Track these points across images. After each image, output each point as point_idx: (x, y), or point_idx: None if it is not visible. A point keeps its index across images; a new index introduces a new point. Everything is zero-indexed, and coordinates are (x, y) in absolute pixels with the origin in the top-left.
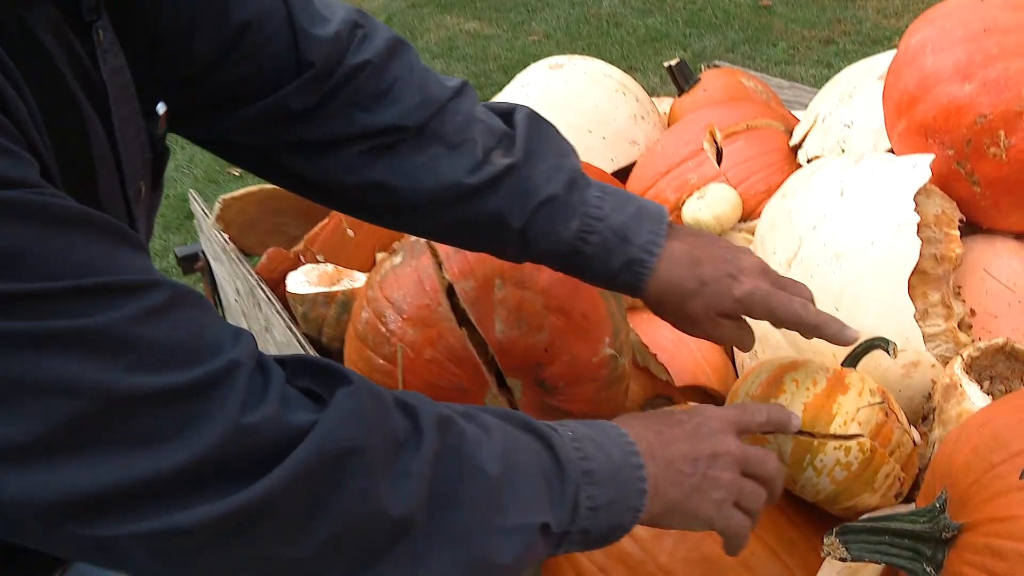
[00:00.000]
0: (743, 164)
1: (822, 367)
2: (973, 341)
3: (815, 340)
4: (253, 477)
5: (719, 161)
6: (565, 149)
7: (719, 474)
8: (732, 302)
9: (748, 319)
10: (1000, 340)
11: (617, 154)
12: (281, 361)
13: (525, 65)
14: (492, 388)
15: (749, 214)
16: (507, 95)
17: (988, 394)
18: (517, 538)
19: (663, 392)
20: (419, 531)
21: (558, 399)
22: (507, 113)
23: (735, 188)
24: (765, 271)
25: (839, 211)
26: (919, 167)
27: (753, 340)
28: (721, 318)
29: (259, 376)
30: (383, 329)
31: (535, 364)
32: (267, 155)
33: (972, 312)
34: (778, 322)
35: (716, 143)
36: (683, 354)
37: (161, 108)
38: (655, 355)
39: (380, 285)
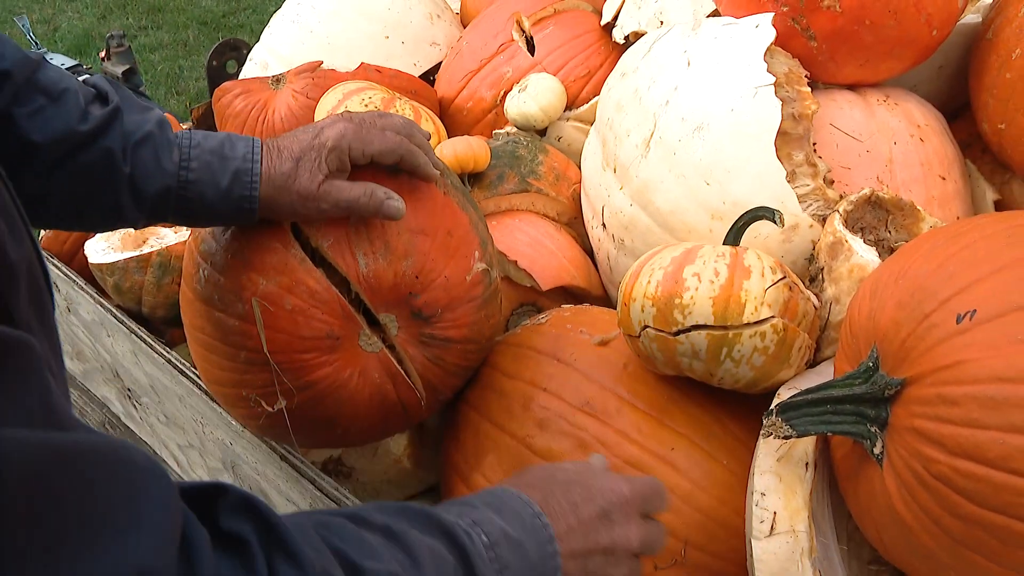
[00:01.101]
0: (558, 50)
1: (715, 252)
2: (841, 196)
3: (684, 218)
4: None
5: (532, 51)
6: (147, 103)
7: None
8: (326, 155)
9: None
10: (867, 191)
11: (419, 58)
12: (206, 498)
13: None
14: (364, 329)
15: (572, 101)
16: (289, 11)
17: (873, 249)
18: None
19: (527, 300)
20: None
21: (437, 327)
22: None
23: (554, 76)
24: (345, 118)
25: (690, 82)
26: (762, 27)
27: (376, 187)
28: (331, 180)
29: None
30: (231, 284)
31: (408, 294)
32: None
33: (829, 169)
34: (368, 157)
35: (525, 32)
36: (543, 257)
37: None
38: (515, 262)
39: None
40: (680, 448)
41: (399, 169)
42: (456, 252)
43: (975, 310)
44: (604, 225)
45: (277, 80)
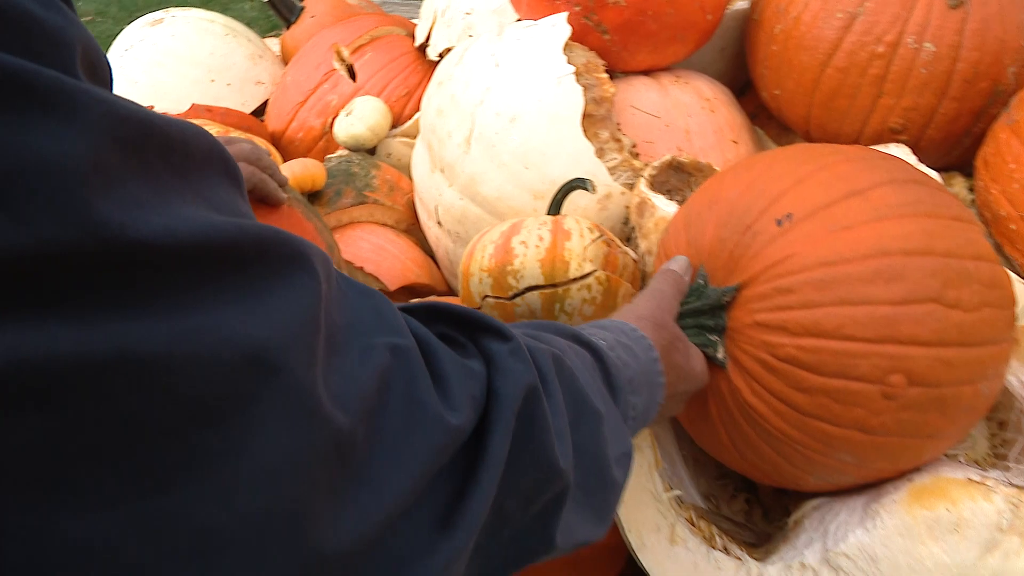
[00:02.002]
0: (378, 74)
1: (538, 222)
2: (646, 165)
3: (509, 202)
4: (465, 481)
5: (353, 77)
6: None
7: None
8: None
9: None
10: (668, 157)
11: (246, 97)
12: (410, 311)
13: None
14: None
15: (397, 119)
16: (113, 62)
17: (675, 202)
18: (623, 466)
19: None
20: (572, 487)
21: None
22: None
23: (377, 97)
24: None
25: (500, 81)
26: (558, 25)
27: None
28: None
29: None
30: None
31: None
32: None
33: (634, 144)
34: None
35: (345, 60)
36: (387, 260)
37: None
38: (361, 268)
39: None
40: None
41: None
42: None
43: (790, 213)
44: (439, 223)
45: None
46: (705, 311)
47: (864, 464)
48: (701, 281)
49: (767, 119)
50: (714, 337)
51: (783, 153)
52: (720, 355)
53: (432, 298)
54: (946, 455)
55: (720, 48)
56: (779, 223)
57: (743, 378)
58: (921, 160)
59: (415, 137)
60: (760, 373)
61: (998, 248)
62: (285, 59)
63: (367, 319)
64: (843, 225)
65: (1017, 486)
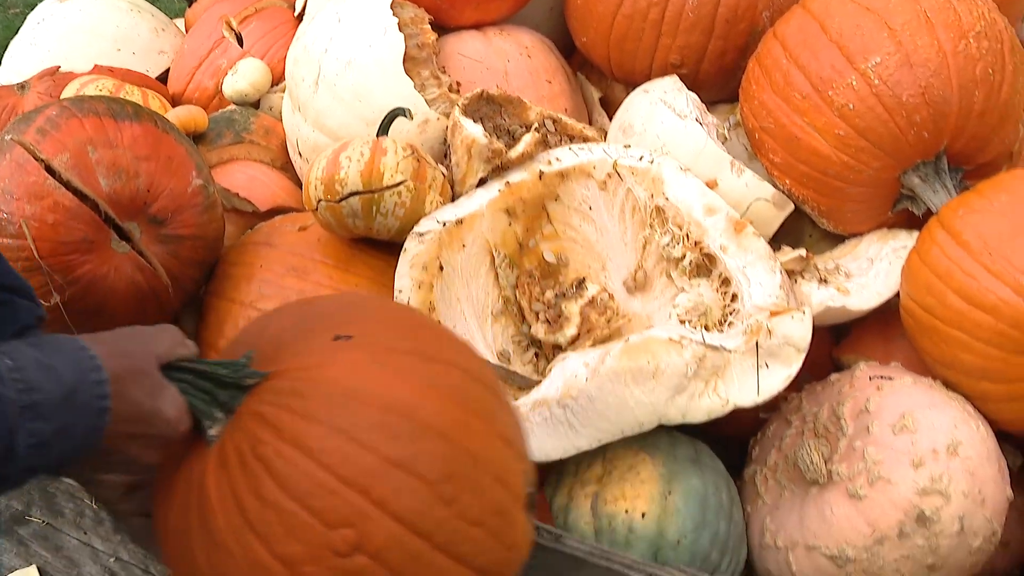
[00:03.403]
0: (261, 40)
1: (362, 141)
2: (461, 98)
3: (349, 131)
4: None
5: (241, 43)
6: None
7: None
8: None
9: None
10: (479, 90)
11: (150, 65)
12: None
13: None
14: (113, 236)
15: (279, 78)
16: (27, 34)
17: (483, 129)
18: None
19: (252, 223)
20: None
21: (170, 228)
22: None
23: (260, 59)
24: None
25: (341, 32)
26: None
27: None
28: None
29: None
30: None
31: (143, 204)
32: None
33: (458, 84)
34: None
35: (234, 29)
36: (259, 188)
37: None
38: (237, 194)
39: None
40: (362, 286)
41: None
42: (176, 172)
43: (352, 335)
44: (300, 154)
45: (22, 87)
46: (227, 384)
47: None
48: (244, 360)
49: (591, 68)
50: (219, 414)
51: (338, 299)
52: (212, 432)
53: (292, 215)
54: (680, 319)
55: (550, 7)
56: (336, 338)
57: (215, 462)
58: (702, 94)
59: None
60: (232, 463)
61: (752, 157)
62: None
63: None
64: (390, 371)
65: (706, 345)
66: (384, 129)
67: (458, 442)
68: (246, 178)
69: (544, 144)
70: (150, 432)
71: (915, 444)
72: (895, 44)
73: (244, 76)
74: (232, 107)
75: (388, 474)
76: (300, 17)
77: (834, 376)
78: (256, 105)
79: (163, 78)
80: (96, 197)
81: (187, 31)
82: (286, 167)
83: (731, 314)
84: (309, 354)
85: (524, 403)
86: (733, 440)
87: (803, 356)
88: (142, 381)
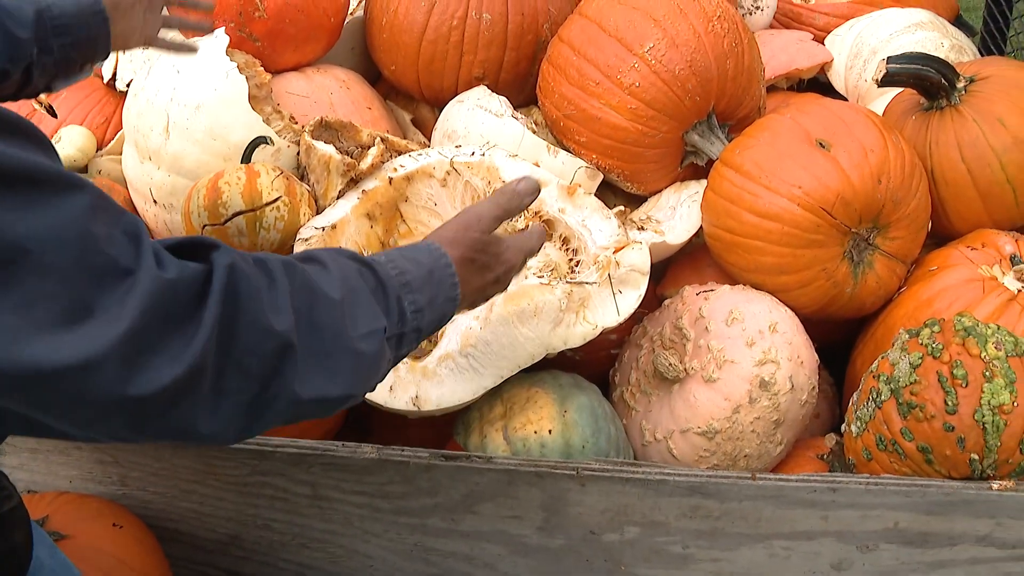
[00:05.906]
0: (76, 108)
1: (235, 168)
2: (304, 126)
3: (208, 168)
4: (191, 319)
5: (54, 115)
6: None
7: (509, 258)
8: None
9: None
10: (318, 118)
11: None
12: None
13: None
14: None
15: (101, 142)
16: None
17: (334, 147)
18: (370, 341)
19: None
20: (297, 352)
21: None
22: None
23: (81, 126)
24: None
25: (183, 82)
26: (219, 35)
27: None
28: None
29: (156, 246)
30: None
31: None
32: None
33: (293, 117)
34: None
35: (43, 103)
36: None
37: None
38: None
39: None
40: None
41: None
42: None
43: None
44: (155, 201)
45: None
46: None
47: None
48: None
49: (396, 94)
50: None
51: None
52: None
53: None
54: (536, 276)
55: (351, 48)
56: None
57: None
58: (510, 99)
59: (120, 154)
60: None
61: (560, 143)
62: None
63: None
64: None
65: (571, 283)
66: (247, 157)
67: None
68: None
69: (388, 155)
70: (494, 279)
71: (745, 330)
72: (662, 31)
73: (70, 142)
74: None
75: None
76: (111, 83)
77: (667, 301)
78: (84, 171)
79: None
80: None
81: None
82: None
83: (576, 265)
84: None
85: (430, 361)
86: (595, 380)
87: (647, 278)
88: (477, 259)
